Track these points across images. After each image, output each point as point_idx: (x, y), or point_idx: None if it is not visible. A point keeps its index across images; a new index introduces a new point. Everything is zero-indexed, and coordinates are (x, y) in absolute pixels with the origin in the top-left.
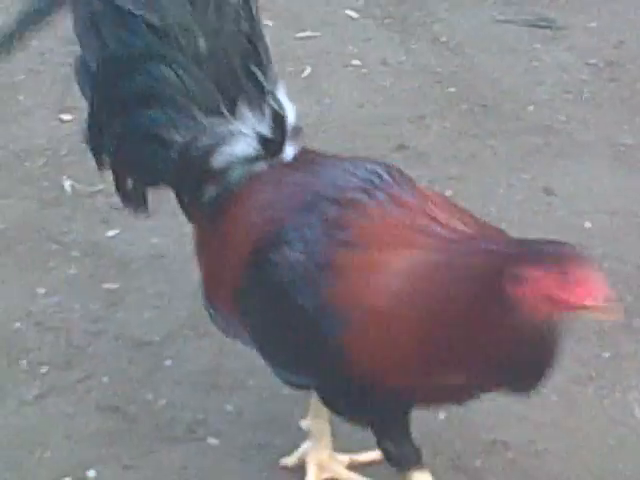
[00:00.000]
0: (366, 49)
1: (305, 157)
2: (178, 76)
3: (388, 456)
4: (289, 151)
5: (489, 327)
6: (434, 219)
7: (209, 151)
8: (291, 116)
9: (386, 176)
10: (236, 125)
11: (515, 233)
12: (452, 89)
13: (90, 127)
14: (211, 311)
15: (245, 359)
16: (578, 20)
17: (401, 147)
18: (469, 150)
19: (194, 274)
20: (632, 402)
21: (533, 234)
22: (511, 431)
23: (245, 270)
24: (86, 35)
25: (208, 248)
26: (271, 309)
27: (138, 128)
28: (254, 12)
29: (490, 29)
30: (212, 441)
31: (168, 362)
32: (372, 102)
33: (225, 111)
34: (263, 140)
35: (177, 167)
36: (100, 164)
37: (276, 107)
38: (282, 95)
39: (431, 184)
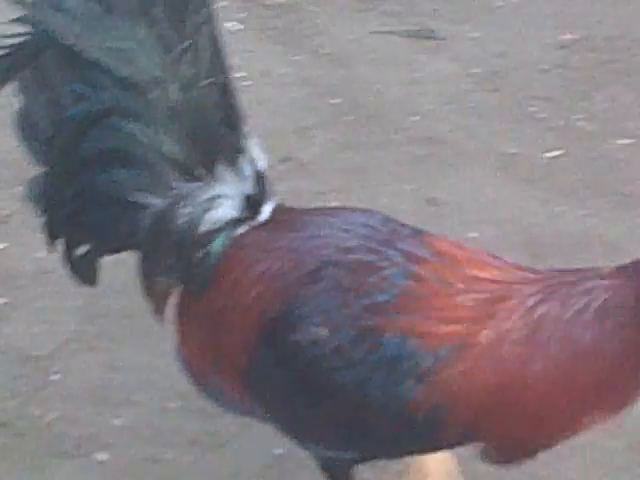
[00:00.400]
0: (249, 61)
1: (284, 215)
2: (150, 134)
3: None
4: (266, 209)
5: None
6: (477, 267)
7: (191, 217)
8: (266, 171)
9: (384, 229)
10: (217, 187)
11: None
12: (336, 100)
13: (44, 193)
14: (198, 386)
15: (134, 374)
16: (460, 31)
17: (286, 159)
18: (354, 161)
19: (82, 289)
20: None
21: None
22: None
23: (257, 351)
24: (35, 89)
25: (196, 319)
26: (306, 390)
27: (105, 191)
28: (226, 62)
29: (372, 40)
30: (101, 456)
31: (56, 377)
32: (256, 114)
33: (204, 171)
34: (246, 201)
35: (152, 233)
36: (52, 235)
37: (255, 164)
38: (256, 149)
39: (316, 196)
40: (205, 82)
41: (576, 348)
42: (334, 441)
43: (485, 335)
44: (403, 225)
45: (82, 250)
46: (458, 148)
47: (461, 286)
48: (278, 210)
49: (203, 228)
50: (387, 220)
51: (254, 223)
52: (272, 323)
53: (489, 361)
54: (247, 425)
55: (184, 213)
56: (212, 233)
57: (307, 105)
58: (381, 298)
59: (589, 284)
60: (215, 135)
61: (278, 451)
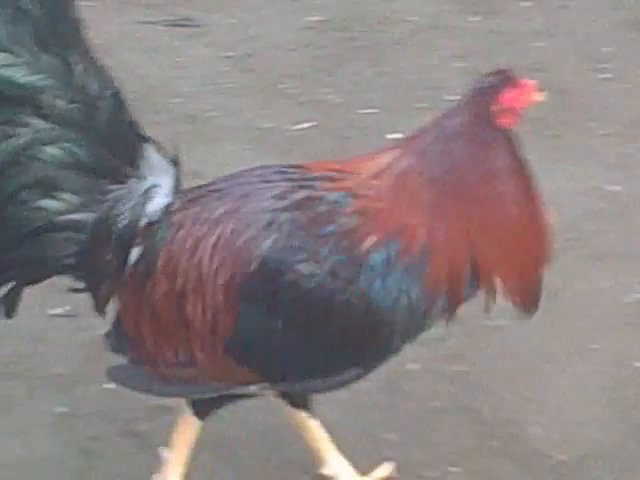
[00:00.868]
0: None
1: (194, 193)
2: (66, 154)
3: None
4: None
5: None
6: (366, 166)
7: (131, 216)
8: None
9: (286, 170)
10: (147, 181)
11: None
12: None
13: None
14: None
15: None
16: (216, 18)
17: None
18: None
19: None
20: None
21: None
22: None
23: (240, 313)
24: None
25: (150, 312)
26: (307, 324)
27: (34, 223)
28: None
29: (135, 30)
30: None
31: None
32: None
33: (128, 171)
34: (172, 187)
35: (94, 245)
36: None
37: (161, 154)
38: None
39: None
40: (105, 95)
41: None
42: (331, 366)
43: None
44: (286, 165)
45: (8, 286)
46: (217, 125)
47: (378, 183)
48: (185, 191)
49: (144, 221)
50: (276, 166)
51: (180, 206)
52: (250, 280)
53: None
54: (34, 387)
55: (123, 215)
56: (153, 224)
57: None
58: (341, 220)
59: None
60: (125, 138)
61: (62, 409)
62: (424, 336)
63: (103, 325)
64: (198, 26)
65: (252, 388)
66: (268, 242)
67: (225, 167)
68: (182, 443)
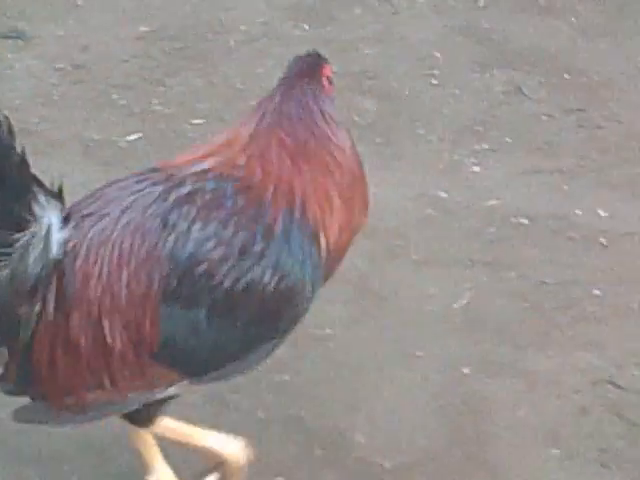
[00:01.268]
0: None
1: (76, 218)
2: None
3: None
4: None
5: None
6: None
7: (41, 262)
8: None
9: (151, 176)
10: (41, 222)
11: None
12: None
13: None
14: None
15: None
16: (46, 29)
17: None
18: None
19: None
20: None
21: None
22: None
23: (162, 318)
24: None
25: (67, 345)
26: (228, 308)
27: None
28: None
29: None
30: None
31: None
32: None
33: (27, 216)
34: (64, 221)
35: (10, 298)
36: None
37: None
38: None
39: None
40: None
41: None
42: (254, 344)
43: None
44: (140, 172)
45: None
46: (47, 138)
47: (242, 159)
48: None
49: (52, 261)
50: (131, 176)
51: (70, 236)
52: (165, 284)
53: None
54: None
55: (34, 262)
56: (60, 261)
57: None
58: (229, 202)
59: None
60: (19, 181)
61: None
62: None
63: None
64: (29, 38)
65: (171, 390)
66: (170, 243)
67: (57, 179)
68: (148, 450)
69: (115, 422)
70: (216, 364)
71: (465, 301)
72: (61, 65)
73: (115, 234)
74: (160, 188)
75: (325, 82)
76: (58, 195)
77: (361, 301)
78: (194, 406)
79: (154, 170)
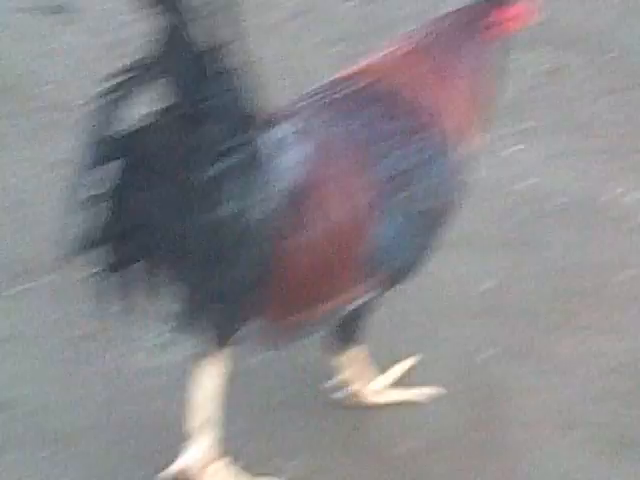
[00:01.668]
0: None
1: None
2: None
3: None
4: None
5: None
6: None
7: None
8: None
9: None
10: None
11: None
12: None
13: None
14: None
15: None
16: (91, 2)
17: None
18: None
19: None
20: (129, 356)
21: (51, 203)
22: (19, 388)
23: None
24: None
25: (309, 255)
26: (434, 217)
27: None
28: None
29: (7, 18)
30: None
31: None
32: None
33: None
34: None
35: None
36: None
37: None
38: None
39: None
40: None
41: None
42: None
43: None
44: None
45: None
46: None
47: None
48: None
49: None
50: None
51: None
52: (376, 198)
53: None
54: None
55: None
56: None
57: None
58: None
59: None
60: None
61: None
62: None
63: None
64: (73, 12)
65: (372, 295)
66: (376, 161)
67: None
68: (207, 399)
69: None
70: (411, 266)
71: (492, 283)
72: (107, 39)
73: (326, 153)
74: (353, 105)
75: (483, 26)
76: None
77: None
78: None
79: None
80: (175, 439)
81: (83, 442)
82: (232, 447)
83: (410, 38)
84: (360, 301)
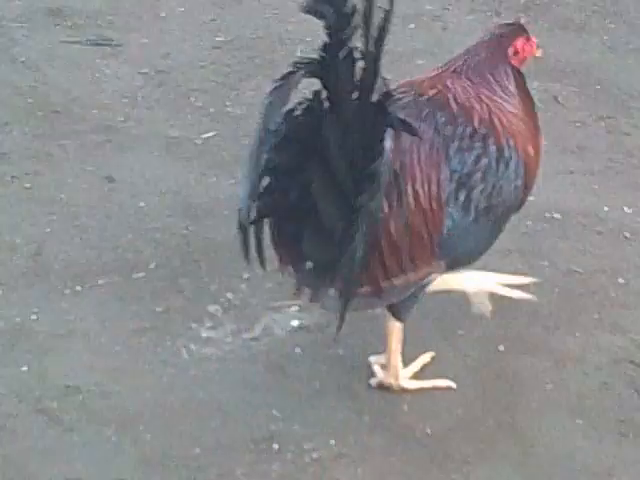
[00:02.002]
0: None
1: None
2: None
3: None
4: None
5: None
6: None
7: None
8: None
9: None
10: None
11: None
12: (30, 100)
13: None
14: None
15: None
16: (133, 38)
17: None
18: (44, 149)
19: None
20: (180, 347)
21: (98, 215)
22: (81, 377)
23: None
24: None
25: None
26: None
27: None
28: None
29: (60, 49)
30: None
31: None
32: None
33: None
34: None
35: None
36: None
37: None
38: None
39: (12, 180)
40: None
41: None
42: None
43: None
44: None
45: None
46: (131, 134)
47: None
48: None
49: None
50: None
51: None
52: (448, 188)
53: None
54: None
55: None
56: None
57: (5, 104)
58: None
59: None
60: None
61: None
62: (307, 323)
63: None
64: (117, 45)
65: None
66: (451, 156)
67: (135, 172)
68: (395, 343)
69: None
70: (471, 255)
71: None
72: (145, 70)
73: (412, 145)
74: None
75: (511, 52)
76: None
77: None
78: (258, 373)
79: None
80: (221, 421)
81: (139, 425)
82: (275, 429)
83: (451, 64)
84: (428, 280)
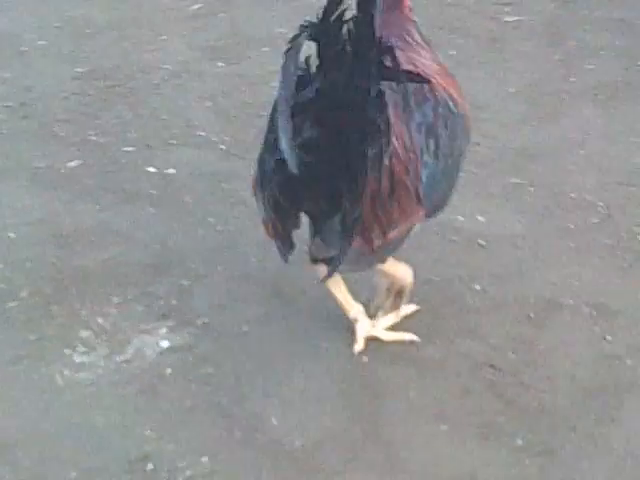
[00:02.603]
0: None
1: None
2: None
3: None
4: None
5: None
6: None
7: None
8: None
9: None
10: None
11: None
12: None
13: None
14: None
15: None
16: None
17: None
18: None
19: None
20: (54, 374)
21: None
22: None
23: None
24: None
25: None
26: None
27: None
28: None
29: None
30: None
31: None
32: None
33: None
34: None
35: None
36: None
37: None
38: None
39: None
40: None
41: None
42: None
43: None
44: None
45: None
46: None
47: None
48: None
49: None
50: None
51: None
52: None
53: None
54: None
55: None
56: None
57: None
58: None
59: None
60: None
61: None
62: (176, 344)
63: None
64: None
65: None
66: (421, 131)
67: (4, 204)
68: (340, 292)
69: None
70: (446, 198)
71: (362, 298)
72: (9, 104)
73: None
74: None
75: (407, 9)
76: None
77: (273, 301)
78: (130, 395)
79: None
80: (96, 443)
81: (17, 451)
82: (149, 449)
83: None
84: (410, 232)
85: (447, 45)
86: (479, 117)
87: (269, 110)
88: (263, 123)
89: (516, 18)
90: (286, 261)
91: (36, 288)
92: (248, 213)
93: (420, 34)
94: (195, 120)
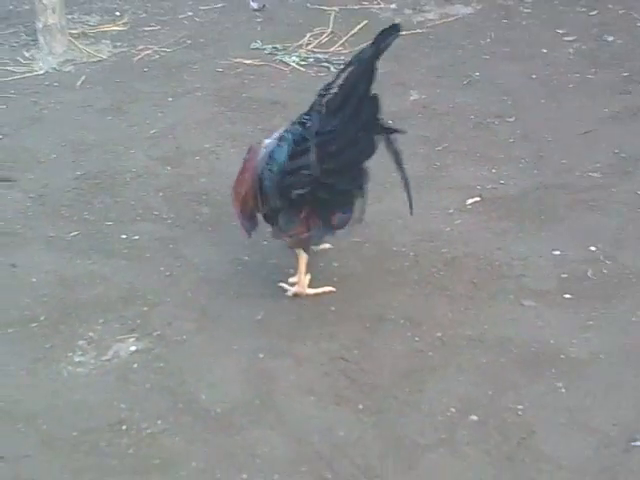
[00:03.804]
0: None
1: None
2: None
3: None
4: None
5: None
6: None
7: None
8: None
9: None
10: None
11: None
12: None
13: None
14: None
15: None
16: None
17: None
18: None
19: None
20: (62, 369)
21: None
22: None
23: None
24: None
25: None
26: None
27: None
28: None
29: None
30: None
31: None
32: None
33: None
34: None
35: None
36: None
37: None
38: None
39: None
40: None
41: None
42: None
43: None
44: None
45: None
46: None
47: None
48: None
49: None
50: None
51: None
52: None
53: None
54: None
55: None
56: None
57: None
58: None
59: None
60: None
61: None
62: (141, 348)
63: None
64: None
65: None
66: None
67: (29, 260)
68: (302, 266)
69: None
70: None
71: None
72: (31, 195)
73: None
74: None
75: None
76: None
77: (202, 320)
78: (111, 383)
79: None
80: (88, 408)
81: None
82: (124, 416)
83: None
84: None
85: None
86: None
87: (203, 198)
88: (197, 206)
89: None
90: (250, 236)
91: (49, 314)
92: (187, 265)
93: None
94: (152, 204)
